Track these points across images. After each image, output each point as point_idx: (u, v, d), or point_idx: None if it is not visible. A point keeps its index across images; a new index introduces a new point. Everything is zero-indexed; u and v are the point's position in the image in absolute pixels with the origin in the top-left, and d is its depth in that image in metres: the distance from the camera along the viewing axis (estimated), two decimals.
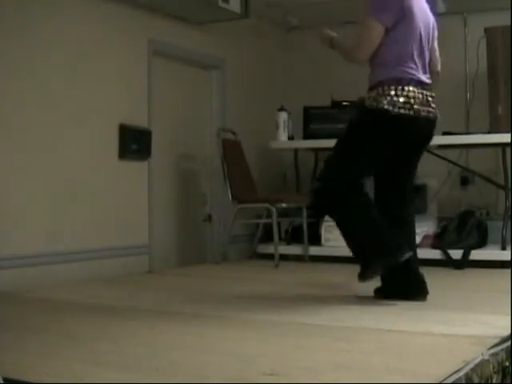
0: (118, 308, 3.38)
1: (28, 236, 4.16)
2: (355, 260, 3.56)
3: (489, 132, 5.25)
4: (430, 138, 3.65)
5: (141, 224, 5.02)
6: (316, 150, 6.06)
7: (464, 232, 5.26)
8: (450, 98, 6.03)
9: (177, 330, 2.84)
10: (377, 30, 3.42)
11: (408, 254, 3.38)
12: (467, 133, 5.60)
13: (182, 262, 5.50)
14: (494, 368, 2.19)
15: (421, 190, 5.96)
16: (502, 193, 5.48)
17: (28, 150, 4.21)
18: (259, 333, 2.78)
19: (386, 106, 3.38)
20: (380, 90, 3.42)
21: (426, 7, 3.60)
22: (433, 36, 3.64)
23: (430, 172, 5.92)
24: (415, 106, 3.42)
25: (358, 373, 2.10)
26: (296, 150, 6.06)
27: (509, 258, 4.85)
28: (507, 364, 2.28)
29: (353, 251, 3.56)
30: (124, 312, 3.26)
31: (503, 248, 5.07)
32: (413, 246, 3.59)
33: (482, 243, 5.28)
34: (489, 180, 5.61)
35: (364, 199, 3.53)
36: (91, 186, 4.62)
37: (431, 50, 3.65)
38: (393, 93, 3.40)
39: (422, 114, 3.46)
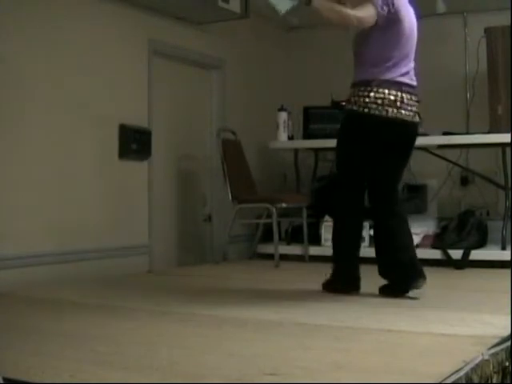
0: (117, 308, 3.37)
1: (28, 236, 4.16)
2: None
3: (489, 132, 5.25)
4: (410, 142, 3.65)
5: (141, 224, 5.02)
6: (316, 150, 6.06)
7: (464, 232, 5.26)
8: (450, 98, 6.05)
9: (177, 329, 2.84)
10: (372, 14, 3.43)
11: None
12: (467, 133, 5.60)
13: (182, 262, 5.50)
14: (493, 368, 2.19)
15: (421, 189, 5.97)
16: (501, 193, 5.48)
17: (28, 150, 4.21)
18: (259, 333, 2.78)
19: (362, 109, 3.47)
20: (354, 91, 3.51)
21: (411, 11, 3.62)
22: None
23: (430, 172, 5.93)
24: (389, 108, 3.45)
25: (358, 373, 2.10)
26: (296, 150, 6.06)
27: (509, 258, 4.84)
28: (507, 364, 2.29)
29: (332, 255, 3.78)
30: (124, 312, 3.26)
31: (503, 248, 5.07)
32: (410, 244, 3.68)
33: (482, 243, 5.28)
34: (489, 180, 5.61)
35: (354, 221, 3.69)
36: (91, 186, 4.62)
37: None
38: (365, 94, 3.46)
39: (398, 115, 3.48)
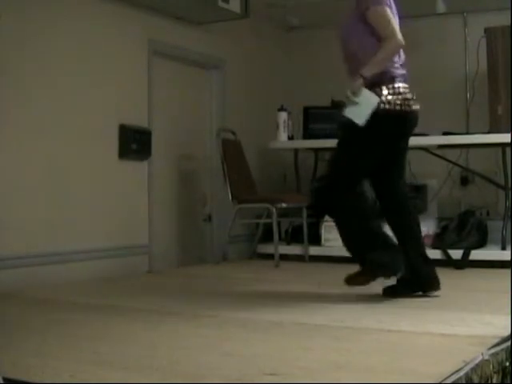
0: (118, 308, 3.38)
1: (28, 236, 4.16)
2: (354, 260, 3.60)
3: (489, 132, 5.25)
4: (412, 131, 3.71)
5: (141, 224, 5.02)
6: (316, 150, 6.06)
7: (464, 232, 5.26)
8: (450, 98, 6.05)
9: (177, 329, 2.84)
10: (390, 14, 3.45)
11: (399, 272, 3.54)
12: (467, 133, 5.60)
13: (182, 262, 5.50)
14: (493, 368, 2.19)
15: (421, 189, 5.96)
16: (501, 193, 5.48)
17: (28, 150, 4.21)
18: (259, 333, 2.78)
19: (384, 106, 3.43)
20: (376, 90, 3.44)
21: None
22: None
23: (430, 172, 5.93)
24: (408, 102, 3.49)
25: (358, 373, 2.10)
26: (296, 150, 6.05)
27: (509, 258, 4.84)
28: (507, 364, 2.28)
29: (350, 251, 3.63)
30: (124, 312, 3.26)
31: (503, 248, 5.07)
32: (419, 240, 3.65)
33: (482, 243, 5.28)
34: (489, 180, 5.61)
35: (360, 200, 3.58)
36: (91, 186, 4.62)
37: None
38: (386, 92, 3.44)
39: (413, 108, 3.53)
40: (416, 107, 3.55)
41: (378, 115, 3.42)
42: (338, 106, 5.09)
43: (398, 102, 3.46)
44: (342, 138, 3.67)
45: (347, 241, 3.63)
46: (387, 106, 3.43)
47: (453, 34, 6.13)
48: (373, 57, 3.40)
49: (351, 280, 3.62)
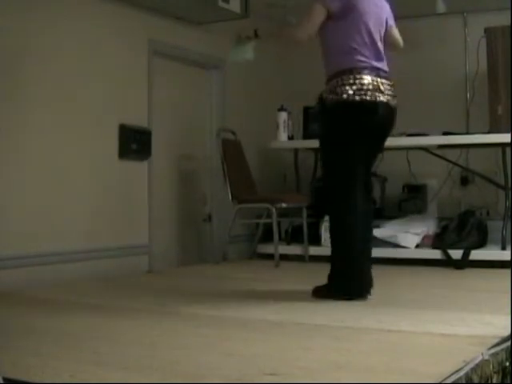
0: (118, 308, 3.38)
1: (28, 236, 4.16)
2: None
3: (489, 132, 5.25)
4: (390, 125, 3.68)
5: (141, 224, 5.02)
6: (316, 150, 6.05)
7: (464, 232, 5.26)
8: (450, 98, 6.05)
9: (177, 329, 2.84)
10: (317, 12, 3.56)
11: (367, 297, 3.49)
12: (467, 133, 5.60)
13: (182, 262, 5.50)
14: (493, 368, 2.19)
15: (421, 189, 5.97)
16: (501, 193, 5.48)
17: (28, 150, 4.21)
18: (259, 333, 2.78)
19: (344, 96, 3.49)
20: (336, 81, 3.53)
21: (377, 2, 3.67)
22: (387, 26, 3.72)
23: (430, 172, 5.94)
24: (369, 93, 3.49)
25: (358, 373, 2.10)
26: (296, 150, 6.05)
27: (509, 258, 4.84)
28: (507, 364, 2.28)
29: (331, 261, 3.62)
30: (124, 312, 3.26)
31: (503, 248, 5.07)
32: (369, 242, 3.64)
33: (482, 243, 5.28)
34: (489, 180, 5.61)
35: (355, 219, 3.52)
36: (91, 186, 4.62)
37: (390, 35, 3.76)
38: (349, 81, 3.49)
39: (378, 99, 3.52)
40: (382, 99, 3.52)
41: (337, 105, 3.52)
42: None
43: (358, 92, 3.48)
44: (319, 137, 3.75)
45: (331, 246, 3.64)
46: (345, 96, 3.48)
47: (453, 34, 6.13)
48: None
49: (317, 292, 3.60)
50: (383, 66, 3.61)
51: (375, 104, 3.51)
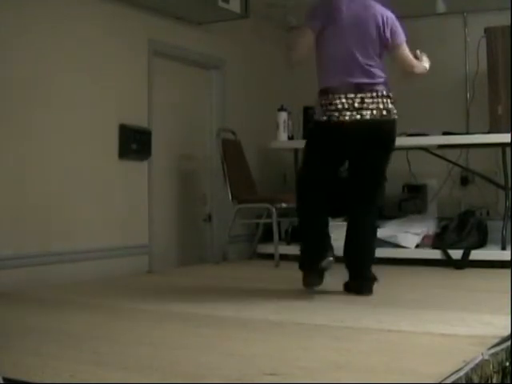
0: (117, 308, 3.38)
1: (28, 236, 4.16)
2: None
3: (489, 132, 5.25)
4: (367, 139, 3.65)
5: (141, 224, 5.02)
6: None
7: (464, 232, 5.26)
8: (450, 98, 6.05)
9: (177, 329, 2.84)
10: (302, 34, 3.69)
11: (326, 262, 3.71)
12: (467, 133, 5.60)
13: (182, 262, 5.50)
14: (493, 368, 2.19)
15: (421, 189, 5.97)
16: (501, 193, 5.48)
17: (28, 150, 4.21)
18: (259, 333, 2.78)
19: (316, 117, 3.70)
20: (317, 100, 3.70)
21: (363, 11, 3.65)
22: (384, 38, 3.67)
23: (430, 172, 5.94)
24: (336, 113, 3.58)
25: (358, 373, 2.10)
26: (296, 150, 6.05)
27: (509, 258, 4.84)
28: (507, 364, 2.28)
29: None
30: (124, 312, 3.26)
31: (503, 248, 5.07)
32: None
33: (482, 243, 5.28)
34: (489, 180, 5.61)
35: (314, 210, 3.83)
36: (91, 186, 4.62)
37: (395, 58, 3.74)
38: (322, 102, 3.64)
39: (347, 119, 3.57)
40: (344, 118, 3.57)
41: (314, 123, 3.77)
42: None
43: (325, 113, 3.61)
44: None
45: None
46: (317, 117, 3.68)
47: (453, 34, 6.13)
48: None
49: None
50: (368, 79, 3.59)
51: (341, 123, 3.58)
